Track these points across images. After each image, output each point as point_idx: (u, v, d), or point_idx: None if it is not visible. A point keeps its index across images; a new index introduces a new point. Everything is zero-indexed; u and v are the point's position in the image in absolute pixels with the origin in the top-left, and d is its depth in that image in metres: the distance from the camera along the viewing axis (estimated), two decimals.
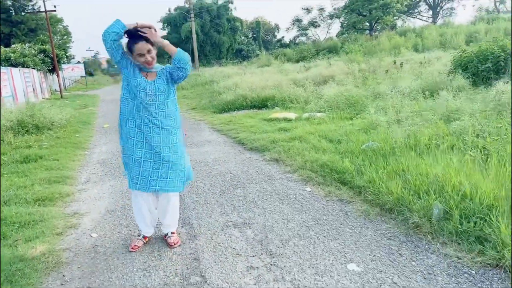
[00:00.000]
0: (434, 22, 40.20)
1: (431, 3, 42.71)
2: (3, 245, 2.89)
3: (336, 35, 41.74)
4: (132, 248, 2.78)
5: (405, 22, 42.53)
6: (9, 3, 33.91)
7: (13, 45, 21.94)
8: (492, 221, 2.38)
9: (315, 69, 14.88)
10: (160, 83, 2.59)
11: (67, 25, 41.75)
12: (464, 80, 7.24)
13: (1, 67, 14.29)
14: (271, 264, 2.47)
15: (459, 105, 5.01)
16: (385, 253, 2.51)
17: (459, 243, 2.44)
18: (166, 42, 2.53)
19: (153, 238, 2.97)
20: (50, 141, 6.84)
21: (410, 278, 2.21)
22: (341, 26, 42.97)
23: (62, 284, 2.39)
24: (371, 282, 2.20)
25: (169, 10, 42.96)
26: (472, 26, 24.26)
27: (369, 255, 2.50)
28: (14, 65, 18.69)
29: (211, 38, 39.90)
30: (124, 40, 2.51)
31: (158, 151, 2.59)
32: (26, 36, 33.41)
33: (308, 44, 35.20)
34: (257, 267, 2.44)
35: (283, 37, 51.01)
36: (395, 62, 11.88)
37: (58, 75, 23.72)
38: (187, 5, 35.24)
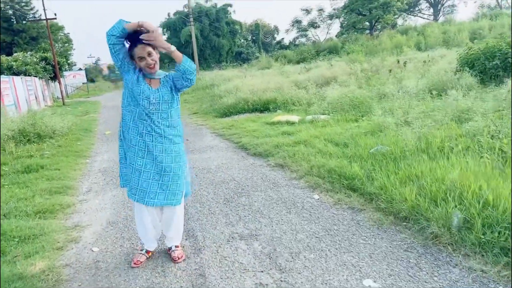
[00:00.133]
0: (435, 19, 39.96)
1: (432, 0, 42.49)
2: (2, 261, 2.77)
3: (336, 36, 41.62)
4: (135, 264, 2.65)
5: (405, 20, 42.38)
6: (10, 12, 34.14)
7: (15, 54, 22.05)
8: None
9: (316, 70, 14.74)
10: (164, 91, 2.47)
11: (68, 33, 42.19)
12: (472, 79, 7.06)
13: (3, 76, 14.27)
14: (281, 280, 2.33)
15: (470, 105, 4.85)
16: (403, 266, 2.35)
17: (482, 255, 2.28)
18: (173, 47, 2.39)
19: (156, 252, 2.84)
20: (52, 150, 6.75)
21: None
22: (341, 26, 42.85)
23: None
24: None
25: (169, 15, 43.10)
26: (475, 23, 24.01)
27: (386, 269, 2.35)
28: (16, 73, 18.72)
29: (211, 41, 39.90)
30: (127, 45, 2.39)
31: (160, 160, 2.47)
32: (28, 44, 33.62)
33: (308, 45, 35.06)
34: (267, 284, 2.30)
35: (282, 39, 51.03)
36: (398, 62, 11.71)
37: (60, 83, 23.73)
38: (186, 10, 35.29)
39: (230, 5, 42.27)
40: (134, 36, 2.32)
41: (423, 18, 44.12)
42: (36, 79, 19.87)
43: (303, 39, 46.39)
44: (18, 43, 33.66)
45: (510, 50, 7.19)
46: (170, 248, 2.76)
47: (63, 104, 21.68)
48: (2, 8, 33.43)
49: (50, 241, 3.08)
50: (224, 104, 10.52)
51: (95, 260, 2.78)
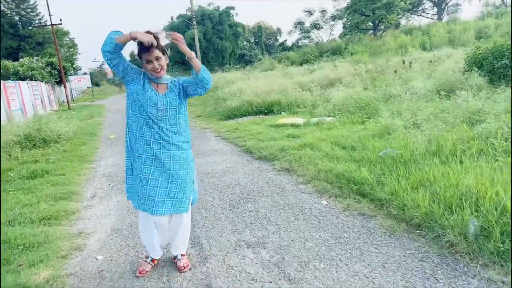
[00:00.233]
0: (439, 19, 39.66)
1: (436, 0, 42.18)
2: (6, 270, 2.72)
3: (339, 37, 41.48)
4: (140, 273, 2.59)
5: (409, 20, 42.08)
6: (17, 18, 34.52)
7: (21, 59, 22.26)
8: None
9: (320, 72, 14.64)
10: (172, 97, 2.40)
11: (73, 38, 42.33)
12: (480, 79, 6.93)
13: (9, 81, 14.36)
14: None
15: (481, 106, 4.73)
16: (419, 277, 2.26)
17: (502, 265, 2.18)
18: (193, 54, 2.35)
19: (162, 261, 2.77)
20: (57, 155, 6.73)
21: None
22: (344, 27, 42.70)
23: None
24: None
25: (172, 19, 43.31)
26: (481, 21, 23.75)
27: (401, 280, 2.25)
28: (23, 78, 18.86)
29: (214, 44, 39.96)
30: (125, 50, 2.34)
31: (167, 167, 2.40)
32: (34, 49, 33.98)
33: (311, 47, 34.93)
34: None
35: (285, 40, 50.95)
36: (403, 62, 11.58)
37: (65, 87, 23.89)
38: (189, 13, 35.41)
39: (233, 8, 42.36)
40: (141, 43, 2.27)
41: (427, 17, 43.84)
42: (42, 84, 20.02)
43: (306, 41, 46.25)
44: (25, 49, 34.03)
45: None
46: (175, 257, 2.69)
47: (69, 108, 21.80)
48: (9, 15, 33.82)
49: (55, 249, 3.03)
50: (228, 107, 10.46)
51: (99, 269, 2.72)
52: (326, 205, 3.51)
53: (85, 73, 41.33)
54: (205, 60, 37.04)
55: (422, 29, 26.54)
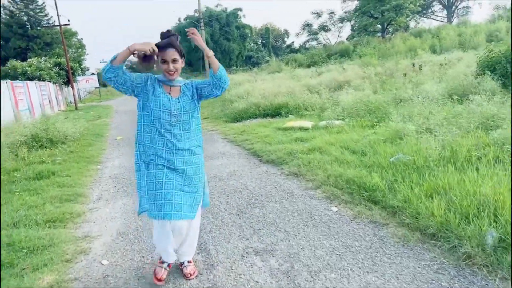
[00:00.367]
0: (449, 21, 39.25)
1: (446, 2, 41.76)
2: (10, 274, 2.68)
3: (347, 39, 41.19)
4: (159, 280, 2.47)
5: (418, 23, 41.67)
6: (25, 18, 34.92)
7: (30, 59, 22.43)
8: None
9: (328, 74, 14.53)
10: (185, 100, 2.33)
11: (81, 38, 42.68)
12: (493, 83, 6.78)
13: (17, 81, 14.48)
14: None
15: (496, 111, 4.60)
16: None
17: None
18: (212, 53, 2.30)
19: None
20: (64, 155, 6.73)
21: None
22: (352, 30, 42.40)
23: None
24: None
25: (179, 20, 43.39)
26: (492, 24, 23.42)
27: None
28: (31, 78, 19.03)
29: (221, 46, 39.98)
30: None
31: (181, 171, 2.33)
32: (42, 50, 34.33)
33: (319, 49, 34.78)
34: None
35: (293, 42, 50.77)
36: (413, 65, 11.42)
37: (73, 87, 24.08)
38: (196, 14, 35.48)
39: (240, 9, 42.35)
40: (166, 36, 2.26)
41: (436, 20, 43.41)
42: (50, 84, 20.20)
43: (313, 43, 46.00)
44: (33, 49, 34.40)
45: None
46: (182, 263, 2.61)
47: (76, 108, 21.97)
48: (17, 15, 34.24)
49: (59, 252, 2.98)
50: (235, 109, 10.40)
51: (104, 274, 2.66)
52: (336, 211, 3.41)
53: (93, 73, 41.66)
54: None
55: (432, 31, 26.24)
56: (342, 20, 43.10)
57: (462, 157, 3.61)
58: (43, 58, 23.55)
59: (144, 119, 2.34)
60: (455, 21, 38.74)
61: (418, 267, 2.42)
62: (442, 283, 2.22)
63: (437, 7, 43.76)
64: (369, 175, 3.77)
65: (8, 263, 2.78)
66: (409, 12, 33.87)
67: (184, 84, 2.38)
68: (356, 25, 39.45)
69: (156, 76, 2.34)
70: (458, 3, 41.80)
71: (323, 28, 44.65)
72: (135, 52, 2.15)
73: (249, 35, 43.73)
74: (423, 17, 43.00)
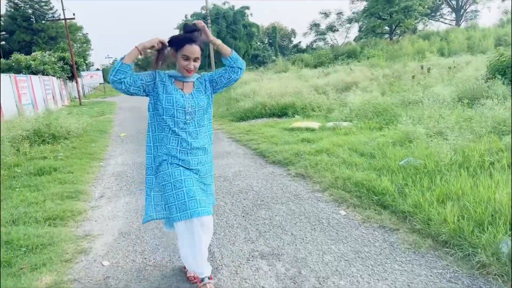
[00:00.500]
0: (457, 25, 38.93)
1: (454, 5, 41.43)
2: (7, 273, 2.60)
3: (354, 40, 40.96)
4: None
5: (426, 25, 41.39)
6: (30, 11, 34.86)
7: (34, 53, 22.35)
8: None
9: (335, 75, 14.41)
10: (199, 96, 2.21)
11: (86, 33, 42.74)
12: (504, 87, 6.64)
13: (21, 75, 14.47)
14: None
15: (508, 116, 4.47)
16: None
17: None
18: (220, 41, 2.19)
19: (170, 270, 2.62)
20: (66, 151, 6.66)
21: None
22: (359, 31, 42.16)
23: None
24: None
25: (186, 17, 43.36)
26: (500, 28, 23.18)
27: None
28: (35, 72, 19.02)
29: (228, 44, 39.34)
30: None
31: (195, 171, 2.22)
32: (47, 44, 34.26)
33: (326, 49, 34.59)
34: None
35: (300, 42, 50.61)
36: (422, 67, 11.28)
37: (77, 83, 24.06)
38: (203, 12, 35.44)
39: (248, 8, 42.24)
40: (190, 30, 2.11)
41: (445, 23, 43.09)
42: (54, 78, 20.17)
43: (321, 43, 45.74)
44: (37, 43, 34.31)
45: None
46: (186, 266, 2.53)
47: (80, 104, 21.96)
48: (22, 8, 34.19)
49: (59, 251, 2.90)
50: (240, 108, 10.31)
51: (105, 276, 2.58)
52: (345, 215, 3.32)
53: (98, 69, 41.77)
54: (218, 60, 37.02)
55: (440, 34, 25.99)
56: (350, 20, 42.84)
57: (474, 162, 3.50)
58: (47, 52, 23.49)
59: (156, 118, 2.20)
60: (463, 24, 38.46)
61: (430, 275, 2.32)
62: None
63: (445, 10, 43.49)
64: (378, 178, 3.67)
65: (5, 262, 2.71)
66: (418, 14, 33.60)
67: (197, 78, 2.27)
68: (364, 26, 39.22)
69: (166, 72, 2.21)
70: (466, 7, 41.48)
71: (331, 28, 44.38)
72: (145, 49, 2.05)
73: (256, 34, 43.58)
74: (431, 19, 42.69)
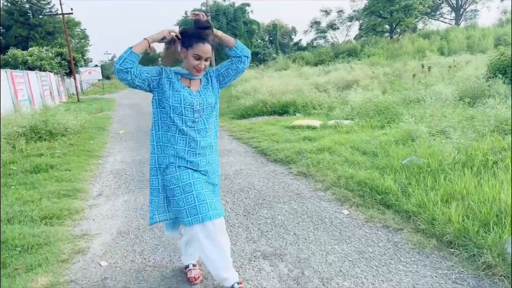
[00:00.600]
0: (457, 24, 38.94)
1: (454, 4, 41.41)
2: (2, 274, 2.52)
3: (355, 38, 40.86)
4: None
5: (426, 24, 41.35)
6: (27, 6, 34.35)
7: (31, 48, 22.03)
8: None
9: (335, 73, 14.35)
10: (206, 93, 2.13)
11: (84, 29, 42.10)
12: (505, 86, 6.60)
13: (17, 70, 14.32)
14: None
15: (509, 115, 4.43)
16: None
17: None
18: (221, 32, 2.10)
19: (170, 270, 2.56)
20: (63, 148, 6.56)
21: None
22: (360, 29, 42.06)
23: None
24: None
25: (186, 13, 43.11)
26: (500, 28, 23.17)
27: None
28: (31, 68, 18.83)
29: None
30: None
31: (203, 172, 2.14)
32: (44, 39, 33.70)
33: (327, 47, 34.48)
34: None
35: (300, 40, 50.38)
36: (422, 66, 11.23)
37: (75, 79, 23.87)
38: (203, 8, 35.22)
39: (248, 5, 41.99)
40: (203, 26, 1.98)
41: (444, 22, 43.08)
42: (51, 74, 19.98)
43: (321, 41, 45.56)
44: (34, 38, 33.70)
45: None
46: (187, 267, 2.47)
47: (78, 100, 21.78)
48: (19, 2, 33.65)
49: (55, 251, 2.82)
50: (241, 105, 10.24)
51: (102, 277, 2.52)
52: (348, 214, 3.27)
53: (96, 65, 41.51)
54: (218, 57, 36.95)
55: (440, 33, 25.96)
56: (350, 19, 42.68)
57: (478, 161, 3.46)
58: (44, 47, 23.15)
59: (161, 116, 2.10)
60: (462, 24, 38.47)
61: (436, 276, 2.28)
62: None
63: (445, 9, 43.47)
64: (381, 177, 3.62)
65: None
66: (418, 13, 33.55)
67: (203, 75, 2.19)
68: (364, 25, 39.13)
69: (172, 68, 2.12)
70: (466, 6, 41.47)
71: (332, 26, 44.19)
72: (155, 41, 1.98)
73: (257, 31, 43.34)
74: (431, 18, 42.65)
